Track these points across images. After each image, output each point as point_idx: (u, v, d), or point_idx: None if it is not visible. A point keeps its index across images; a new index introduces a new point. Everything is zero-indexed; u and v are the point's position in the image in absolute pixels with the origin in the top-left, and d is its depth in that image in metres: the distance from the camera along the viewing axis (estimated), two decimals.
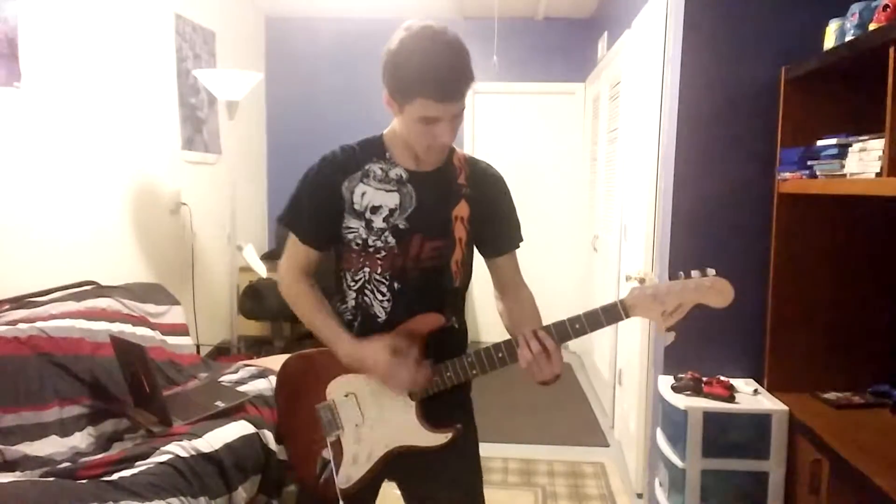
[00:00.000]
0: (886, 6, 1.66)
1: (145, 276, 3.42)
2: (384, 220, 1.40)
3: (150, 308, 2.84)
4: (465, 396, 1.55)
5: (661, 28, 2.57)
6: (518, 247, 1.54)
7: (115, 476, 1.78)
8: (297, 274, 1.47)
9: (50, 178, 2.76)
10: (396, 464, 1.45)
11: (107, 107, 3.14)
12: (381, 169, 1.41)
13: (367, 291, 1.43)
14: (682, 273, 1.28)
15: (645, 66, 2.92)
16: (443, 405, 1.43)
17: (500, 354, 1.35)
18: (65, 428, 2.07)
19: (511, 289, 1.54)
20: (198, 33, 4.08)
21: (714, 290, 1.26)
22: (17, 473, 1.84)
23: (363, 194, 1.40)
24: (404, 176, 1.41)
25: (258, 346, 4.45)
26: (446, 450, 1.41)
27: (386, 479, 1.52)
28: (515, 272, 1.55)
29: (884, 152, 1.59)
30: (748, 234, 2.30)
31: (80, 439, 2.09)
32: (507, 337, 1.40)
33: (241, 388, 2.51)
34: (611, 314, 1.30)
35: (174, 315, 2.97)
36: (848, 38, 1.85)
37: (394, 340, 1.36)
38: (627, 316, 1.29)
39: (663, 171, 2.54)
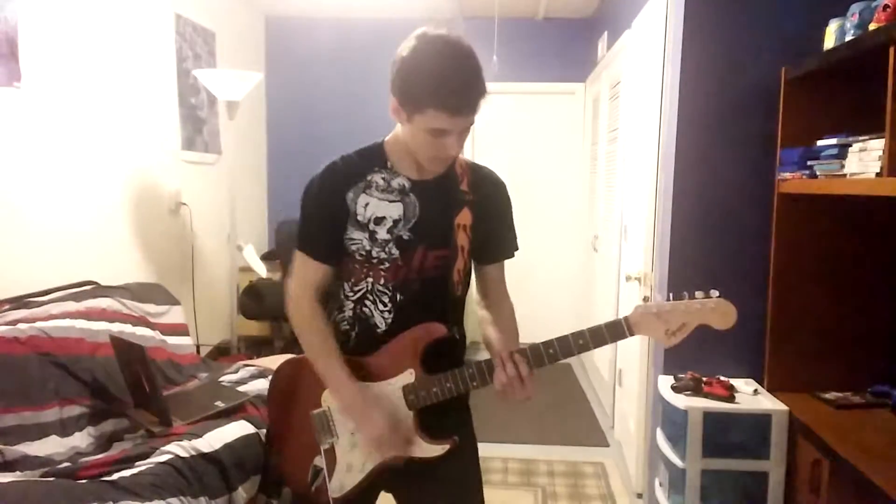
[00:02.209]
0: (886, 6, 1.66)
1: (145, 276, 3.42)
2: (388, 231, 1.37)
3: (150, 308, 2.84)
4: (463, 407, 1.53)
5: (661, 28, 2.57)
6: (512, 255, 1.52)
7: (115, 476, 1.78)
8: (310, 297, 1.42)
9: (50, 177, 2.76)
10: (393, 474, 1.44)
11: (107, 107, 3.14)
12: (384, 178, 1.39)
13: (367, 302, 1.41)
14: (686, 293, 1.29)
15: (645, 66, 2.92)
16: (441, 416, 1.41)
17: (528, 359, 1.34)
18: (65, 428, 2.07)
19: (494, 297, 1.52)
20: (198, 33, 4.08)
21: (718, 311, 1.27)
22: (17, 473, 1.84)
23: (366, 205, 1.38)
24: (407, 185, 1.39)
25: (258, 346, 4.45)
26: (444, 461, 1.39)
27: (383, 491, 1.51)
28: (501, 281, 1.53)
29: (884, 152, 1.59)
30: (748, 233, 2.30)
31: (80, 439, 2.09)
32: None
33: (241, 388, 2.51)
34: (614, 331, 1.30)
35: (174, 315, 2.97)
36: (848, 38, 1.85)
37: (395, 411, 1.36)
38: (631, 334, 1.29)
39: (663, 171, 2.54)
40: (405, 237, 1.38)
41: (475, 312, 1.52)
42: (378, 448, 1.38)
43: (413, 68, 1.23)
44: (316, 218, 1.40)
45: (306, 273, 1.42)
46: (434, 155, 1.32)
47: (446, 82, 1.21)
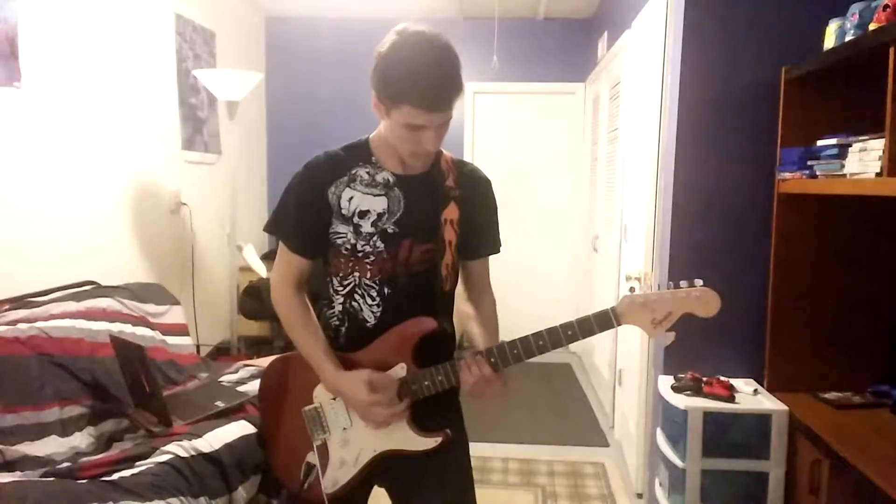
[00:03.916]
0: (886, 6, 1.66)
1: (145, 276, 3.42)
2: (372, 224, 1.39)
3: (150, 308, 2.84)
4: (454, 400, 1.54)
5: (661, 28, 2.57)
6: (497, 251, 1.54)
7: (115, 476, 1.78)
8: (289, 286, 1.46)
9: (50, 177, 2.76)
10: (385, 468, 1.45)
11: (107, 107, 3.14)
12: (368, 173, 1.41)
13: (356, 296, 1.42)
14: (671, 283, 1.32)
15: (645, 66, 2.92)
16: (432, 409, 1.42)
17: (493, 360, 1.36)
18: (65, 428, 2.07)
19: (477, 292, 1.54)
20: (198, 33, 4.08)
21: (701, 300, 1.30)
22: (17, 473, 1.84)
23: (350, 199, 1.39)
24: (391, 180, 1.41)
25: (258, 346, 4.45)
26: (436, 454, 1.40)
27: (376, 485, 1.52)
28: (485, 276, 1.55)
29: (884, 152, 1.59)
30: (748, 233, 2.30)
31: (80, 439, 2.09)
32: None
33: (241, 388, 2.51)
34: (602, 321, 1.32)
35: (174, 315, 2.97)
36: (848, 38, 1.85)
37: (372, 376, 1.36)
38: (619, 323, 1.32)
39: (663, 171, 2.54)
40: (390, 231, 1.39)
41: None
42: (366, 421, 1.39)
43: (390, 64, 1.25)
44: (292, 208, 1.43)
45: (284, 262, 1.46)
46: (413, 149, 1.34)
47: (421, 79, 1.22)
